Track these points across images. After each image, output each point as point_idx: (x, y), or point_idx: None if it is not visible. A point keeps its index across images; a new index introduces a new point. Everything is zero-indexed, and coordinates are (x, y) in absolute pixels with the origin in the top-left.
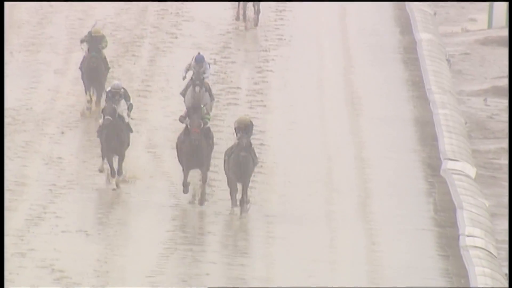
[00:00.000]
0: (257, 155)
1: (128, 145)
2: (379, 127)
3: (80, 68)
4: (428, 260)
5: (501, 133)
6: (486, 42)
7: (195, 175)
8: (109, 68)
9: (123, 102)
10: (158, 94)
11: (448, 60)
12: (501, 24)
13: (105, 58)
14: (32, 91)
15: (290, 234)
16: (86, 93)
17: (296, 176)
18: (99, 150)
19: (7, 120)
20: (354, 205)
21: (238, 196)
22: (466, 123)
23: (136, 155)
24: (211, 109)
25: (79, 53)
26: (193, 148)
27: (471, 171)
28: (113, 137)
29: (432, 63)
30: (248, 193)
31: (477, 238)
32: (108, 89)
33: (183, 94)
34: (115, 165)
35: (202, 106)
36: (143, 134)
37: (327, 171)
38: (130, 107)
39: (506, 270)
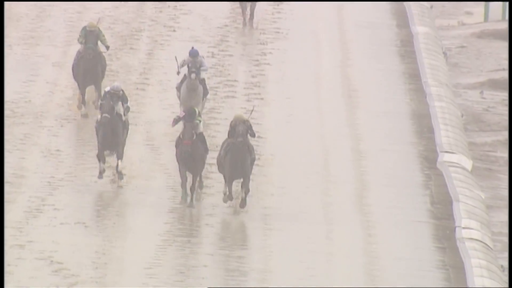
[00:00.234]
0: (255, 152)
1: (124, 144)
2: (376, 120)
3: (74, 63)
4: (425, 251)
5: (497, 125)
6: (482, 35)
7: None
8: (105, 65)
9: (120, 104)
10: (156, 87)
11: (444, 53)
12: (497, 18)
13: (102, 54)
14: (30, 84)
15: (288, 226)
16: (79, 90)
17: (293, 168)
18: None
19: (6, 112)
20: (351, 197)
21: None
22: (462, 115)
23: (133, 148)
24: (203, 106)
25: (77, 46)
26: (185, 156)
27: (467, 163)
28: (110, 134)
29: (429, 56)
30: (245, 194)
31: (473, 230)
32: (107, 89)
33: (179, 87)
34: (113, 163)
35: (196, 111)
36: (141, 127)
37: (324, 163)
38: (127, 110)
39: (502, 262)
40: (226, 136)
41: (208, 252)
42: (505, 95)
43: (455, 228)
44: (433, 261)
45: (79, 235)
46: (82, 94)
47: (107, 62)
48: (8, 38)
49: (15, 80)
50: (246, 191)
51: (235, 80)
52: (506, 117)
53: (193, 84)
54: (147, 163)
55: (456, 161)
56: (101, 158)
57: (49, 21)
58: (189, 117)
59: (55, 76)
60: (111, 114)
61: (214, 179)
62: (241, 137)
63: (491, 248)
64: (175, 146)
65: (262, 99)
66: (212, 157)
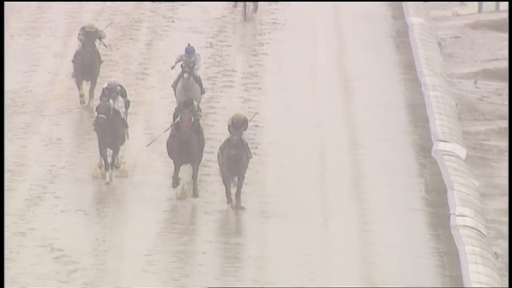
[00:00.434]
0: (251, 150)
1: (124, 140)
2: (372, 109)
3: (73, 62)
4: (420, 239)
5: (491, 115)
6: (476, 26)
7: (186, 168)
8: (101, 61)
9: (120, 99)
10: (156, 76)
11: (439, 44)
12: (491, 9)
13: (98, 52)
14: (32, 74)
15: (284, 214)
16: (78, 89)
17: (290, 157)
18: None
19: (7, 102)
20: (347, 185)
21: (233, 191)
22: (456, 105)
23: (133, 137)
24: (199, 102)
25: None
26: (183, 143)
27: (462, 152)
28: (108, 132)
29: (424, 47)
30: (242, 196)
31: (467, 217)
32: (104, 85)
33: (174, 86)
34: (109, 159)
35: (194, 102)
36: (141, 116)
37: (321, 152)
38: (127, 104)
39: (495, 249)
40: (223, 125)
41: (206, 240)
42: (499, 85)
43: (449, 215)
44: (428, 248)
45: (80, 223)
46: (80, 89)
47: (107, 52)
48: (9, 28)
49: (17, 70)
50: (240, 187)
51: (233, 70)
52: (500, 107)
53: (187, 84)
54: (146, 151)
55: (450, 149)
56: (102, 154)
57: (50, 12)
58: (185, 105)
59: (56, 66)
60: (107, 115)
61: (212, 167)
62: (235, 149)
63: (485, 236)
64: (166, 143)
65: (259, 88)
66: (210, 146)
